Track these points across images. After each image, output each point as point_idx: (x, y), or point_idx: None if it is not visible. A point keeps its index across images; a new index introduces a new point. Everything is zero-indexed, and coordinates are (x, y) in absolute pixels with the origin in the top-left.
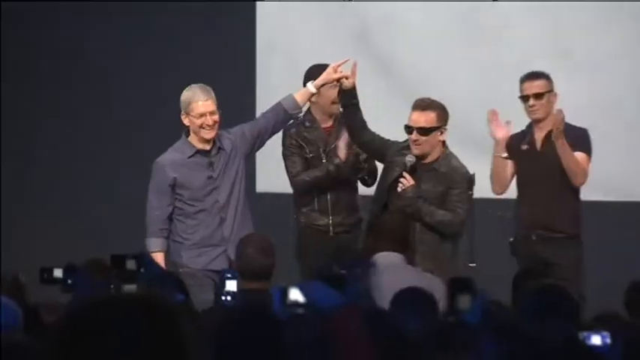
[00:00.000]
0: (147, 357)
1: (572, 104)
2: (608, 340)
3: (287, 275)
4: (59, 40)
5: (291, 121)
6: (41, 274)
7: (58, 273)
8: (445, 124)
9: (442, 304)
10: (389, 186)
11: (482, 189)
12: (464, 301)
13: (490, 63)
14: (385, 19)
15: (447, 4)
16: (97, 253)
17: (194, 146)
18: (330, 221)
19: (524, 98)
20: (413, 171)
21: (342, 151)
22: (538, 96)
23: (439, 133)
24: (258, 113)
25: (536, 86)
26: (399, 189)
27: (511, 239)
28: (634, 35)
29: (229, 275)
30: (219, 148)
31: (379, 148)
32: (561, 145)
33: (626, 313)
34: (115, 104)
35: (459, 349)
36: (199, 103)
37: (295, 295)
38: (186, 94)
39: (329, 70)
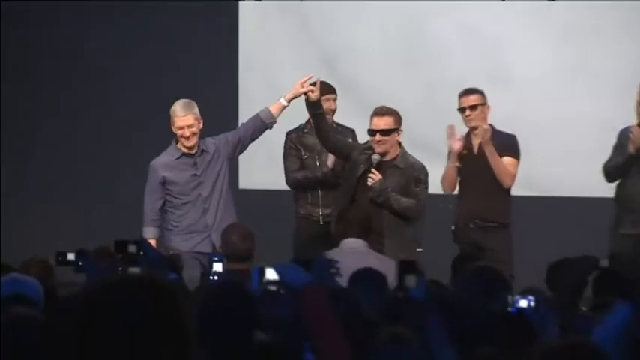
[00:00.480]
0: (151, 334)
1: (502, 114)
2: (533, 303)
3: (266, 258)
4: (59, 40)
5: (297, 127)
6: (57, 257)
7: (71, 256)
8: (400, 127)
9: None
10: (356, 181)
11: (433, 185)
12: (410, 280)
13: (434, 81)
14: (346, 46)
15: (398, 33)
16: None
17: (180, 150)
18: (321, 212)
19: (462, 110)
20: (378, 167)
21: (330, 161)
22: (473, 108)
23: (397, 134)
24: (240, 113)
25: (472, 100)
26: (368, 183)
27: (453, 228)
28: (556, 58)
29: (216, 258)
30: (203, 151)
31: (344, 148)
32: (489, 153)
33: (546, 289)
34: (114, 104)
35: (407, 320)
36: (179, 118)
37: (271, 274)
38: (171, 109)
39: (296, 85)
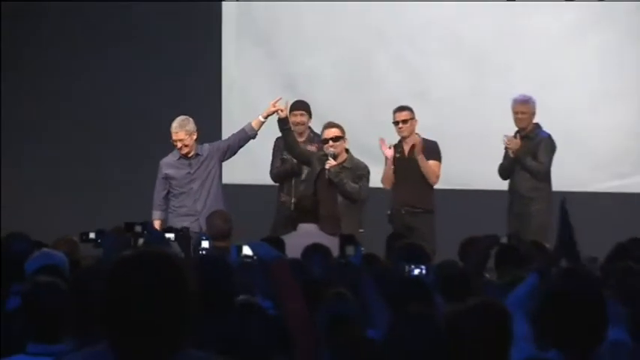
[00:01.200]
0: (162, 297)
1: (425, 125)
2: (424, 272)
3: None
4: (59, 40)
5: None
6: (80, 236)
7: (92, 235)
8: (345, 135)
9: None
10: (315, 180)
11: (373, 180)
12: (350, 250)
13: (374, 100)
14: (305, 74)
15: (346, 63)
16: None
17: (180, 153)
18: (292, 200)
19: (396, 123)
20: (334, 159)
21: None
22: (404, 121)
23: (344, 141)
24: (223, 126)
25: (403, 115)
26: (326, 167)
27: (388, 212)
28: (465, 82)
29: (204, 237)
30: (198, 154)
31: (307, 156)
32: (420, 160)
33: (459, 260)
34: (118, 111)
35: (346, 281)
36: (173, 133)
37: (246, 250)
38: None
39: (269, 105)
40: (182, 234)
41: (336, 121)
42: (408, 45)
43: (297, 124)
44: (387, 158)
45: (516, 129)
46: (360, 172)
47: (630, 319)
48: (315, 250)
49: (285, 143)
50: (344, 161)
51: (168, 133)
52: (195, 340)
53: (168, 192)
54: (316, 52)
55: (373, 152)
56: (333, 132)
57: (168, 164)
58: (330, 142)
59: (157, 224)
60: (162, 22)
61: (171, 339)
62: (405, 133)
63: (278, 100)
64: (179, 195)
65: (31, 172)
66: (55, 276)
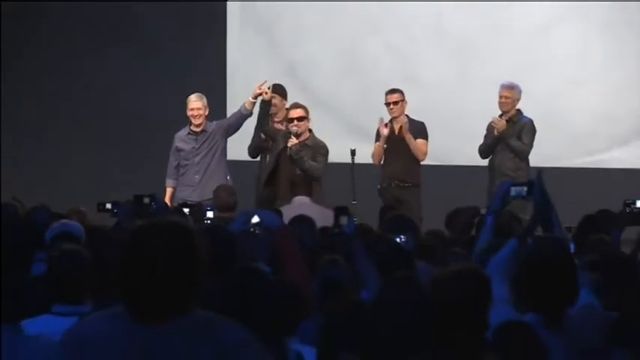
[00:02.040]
0: (172, 266)
1: (414, 107)
2: (403, 239)
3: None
4: (59, 40)
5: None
6: (98, 206)
7: (108, 206)
8: (309, 116)
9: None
10: (277, 155)
11: (365, 157)
12: (343, 219)
13: (368, 84)
14: (304, 59)
15: (341, 50)
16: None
17: (190, 129)
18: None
19: (387, 104)
20: (297, 137)
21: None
22: (395, 103)
23: (307, 121)
24: (227, 105)
25: (394, 97)
26: (289, 144)
27: (379, 187)
28: (451, 68)
29: (209, 208)
30: (204, 130)
31: (272, 133)
32: (408, 139)
33: (445, 229)
34: (122, 107)
35: (340, 249)
36: (191, 102)
37: (255, 218)
38: (188, 98)
39: (256, 88)
40: (196, 208)
41: (333, 103)
42: (399, 33)
43: (273, 105)
44: (380, 136)
45: (500, 112)
46: (319, 150)
47: (603, 287)
48: (300, 221)
49: (259, 119)
50: (306, 139)
51: (168, 133)
52: (202, 302)
53: (178, 163)
54: (314, 39)
55: (365, 132)
56: (297, 112)
57: (180, 138)
58: (295, 122)
59: (168, 192)
60: (164, 17)
61: (180, 302)
62: (396, 114)
63: (263, 84)
64: (184, 166)
65: (31, 172)
66: (72, 242)
